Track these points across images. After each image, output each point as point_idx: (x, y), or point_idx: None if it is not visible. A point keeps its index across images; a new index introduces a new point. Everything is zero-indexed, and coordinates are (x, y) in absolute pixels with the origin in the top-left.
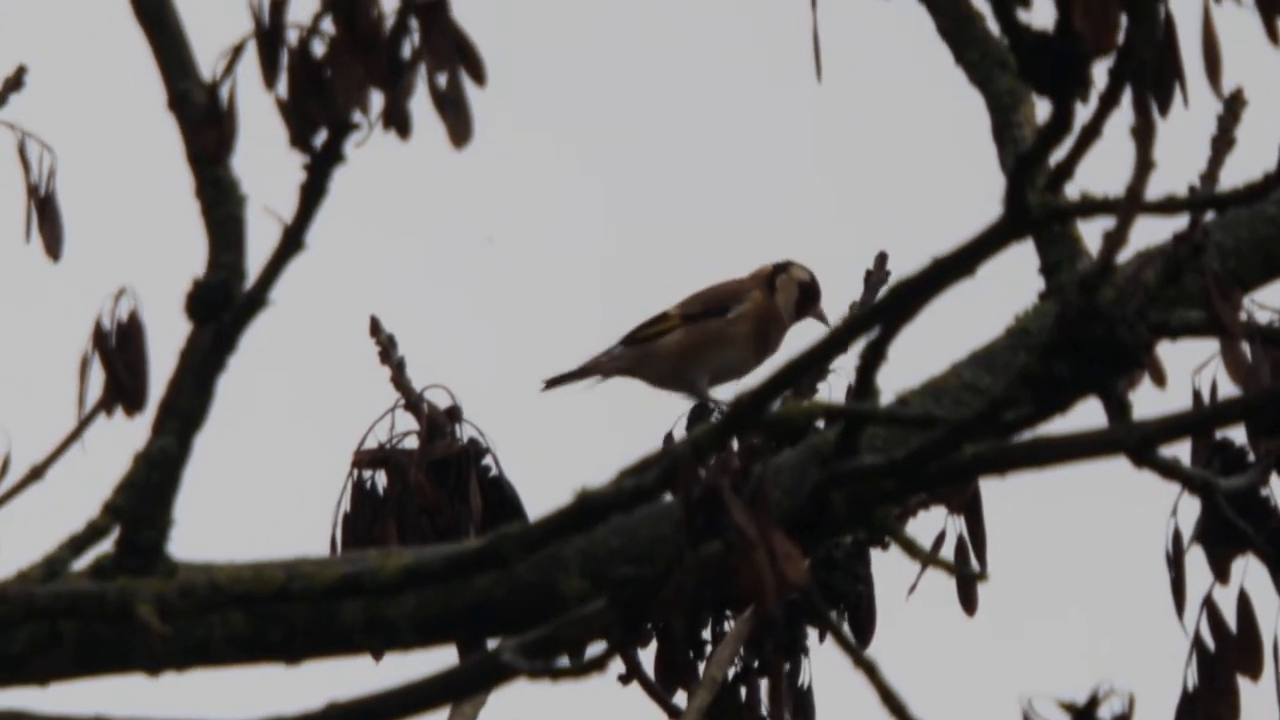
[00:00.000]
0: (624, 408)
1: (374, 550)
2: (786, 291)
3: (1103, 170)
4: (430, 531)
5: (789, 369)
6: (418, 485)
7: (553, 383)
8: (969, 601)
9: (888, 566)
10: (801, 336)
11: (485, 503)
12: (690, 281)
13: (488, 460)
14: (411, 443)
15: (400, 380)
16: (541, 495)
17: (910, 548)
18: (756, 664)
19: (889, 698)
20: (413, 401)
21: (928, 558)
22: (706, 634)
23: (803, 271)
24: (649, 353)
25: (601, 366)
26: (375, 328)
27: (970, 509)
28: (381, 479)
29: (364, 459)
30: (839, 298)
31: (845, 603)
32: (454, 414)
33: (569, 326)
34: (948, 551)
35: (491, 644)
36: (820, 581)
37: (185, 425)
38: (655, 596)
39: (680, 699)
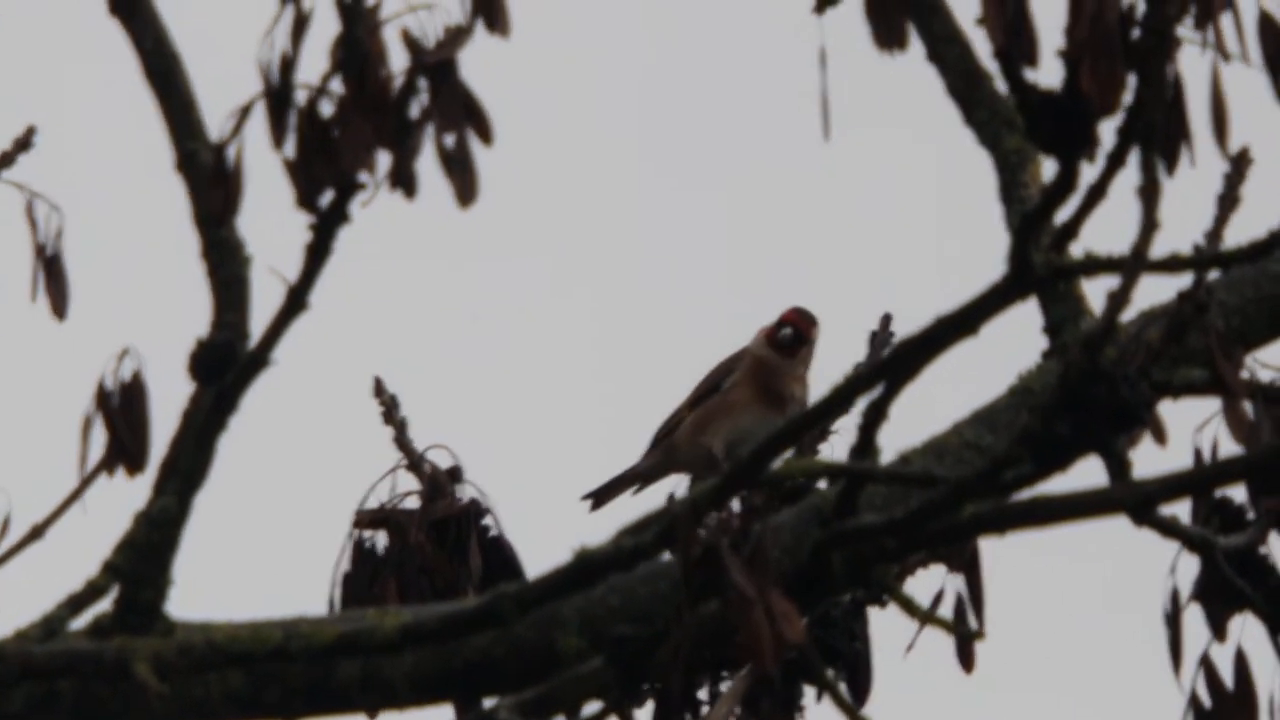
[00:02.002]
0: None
1: (372, 609)
2: (759, 334)
3: (1108, 229)
4: (430, 591)
5: (789, 428)
6: (418, 545)
7: (592, 497)
8: (967, 660)
9: (886, 625)
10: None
11: (485, 563)
12: (704, 350)
13: (488, 520)
14: (413, 503)
15: (402, 440)
16: (541, 556)
17: (908, 606)
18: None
19: None
20: (414, 461)
21: (925, 616)
22: (703, 694)
23: (788, 312)
24: (670, 446)
25: (636, 473)
26: (379, 388)
27: (969, 567)
28: (382, 539)
29: (364, 519)
30: (844, 358)
31: (843, 661)
32: (455, 474)
33: (572, 390)
34: (946, 610)
35: (489, 703)
36: (817, 640)
37: (186, 485)
38: (653, 655)
39: None
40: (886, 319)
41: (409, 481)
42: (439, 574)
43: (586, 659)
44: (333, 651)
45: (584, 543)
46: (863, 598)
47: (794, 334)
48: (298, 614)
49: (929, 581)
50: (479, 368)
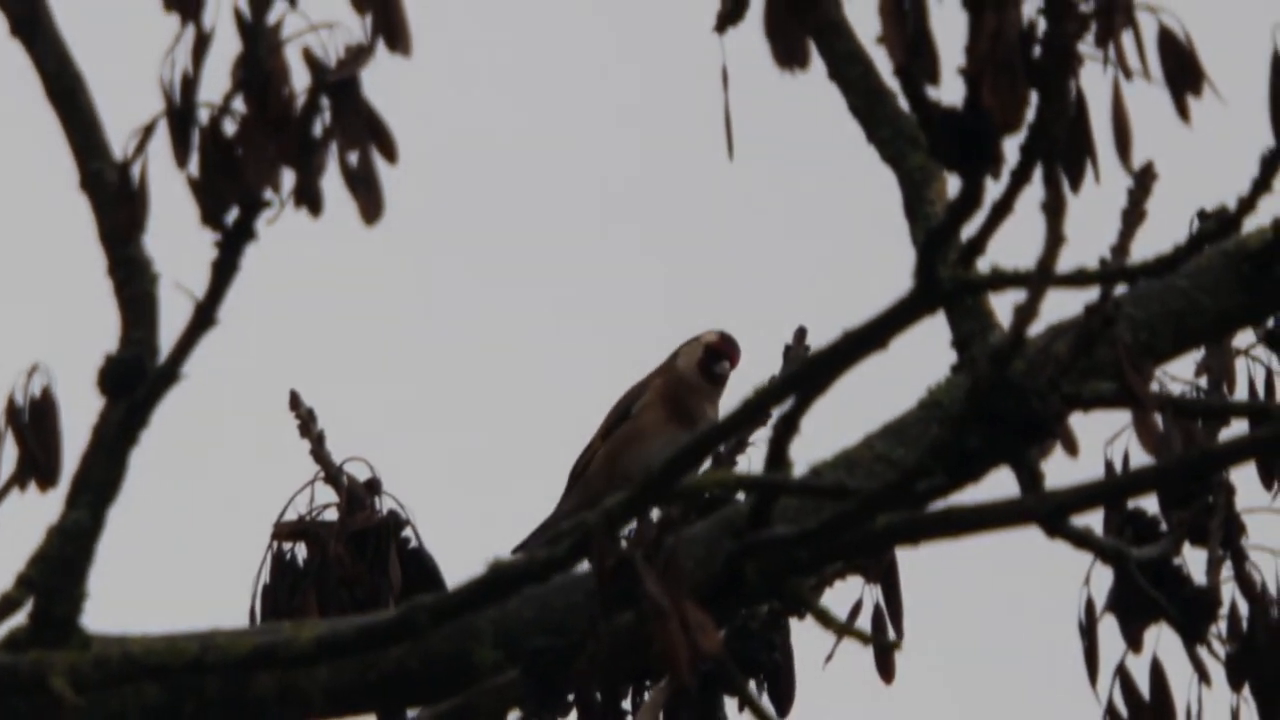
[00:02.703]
0: (546, 477)
1: (288, 622)
2: (689, 357)
3: (1014, 244)
4: (350, 603)
5: (701, 440)
6: (337, 557)
7: (521, 549)
8: (886, 671)
9: (807, 635)
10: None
11: (405, 574)
12: (620, 366)
13: (407, 532)
14: (331, 515)
15: (320, 453)
16: (462, 567)
17: (824, 618)
18: None
19: None
20: (332, 474)
21: (842, 628)
22: (627, 704)
23: (710, 334)
24: (586, 483)
25: (559, 520)
26: (295, 401)
27: (886, 578)
28: (301, 551)
29: (284, 531)
30: (756, 373)
31: (763, 672)
32: (374, 486)
33: (491, 397)
34: (865, 621)
35: (410, 714)
36: (735, 651)
37: (98, 498)
38: (569, 667)
39: None
40: (801, 333)
41: (327, 494)
42: (359, 585)
43: (503, 670)
44: (248, 664)
45: (498, 555)
46: (780, 609)
47: (729, 367)
48: (214, 627)
49: (848, 592)
50: (396, 380)
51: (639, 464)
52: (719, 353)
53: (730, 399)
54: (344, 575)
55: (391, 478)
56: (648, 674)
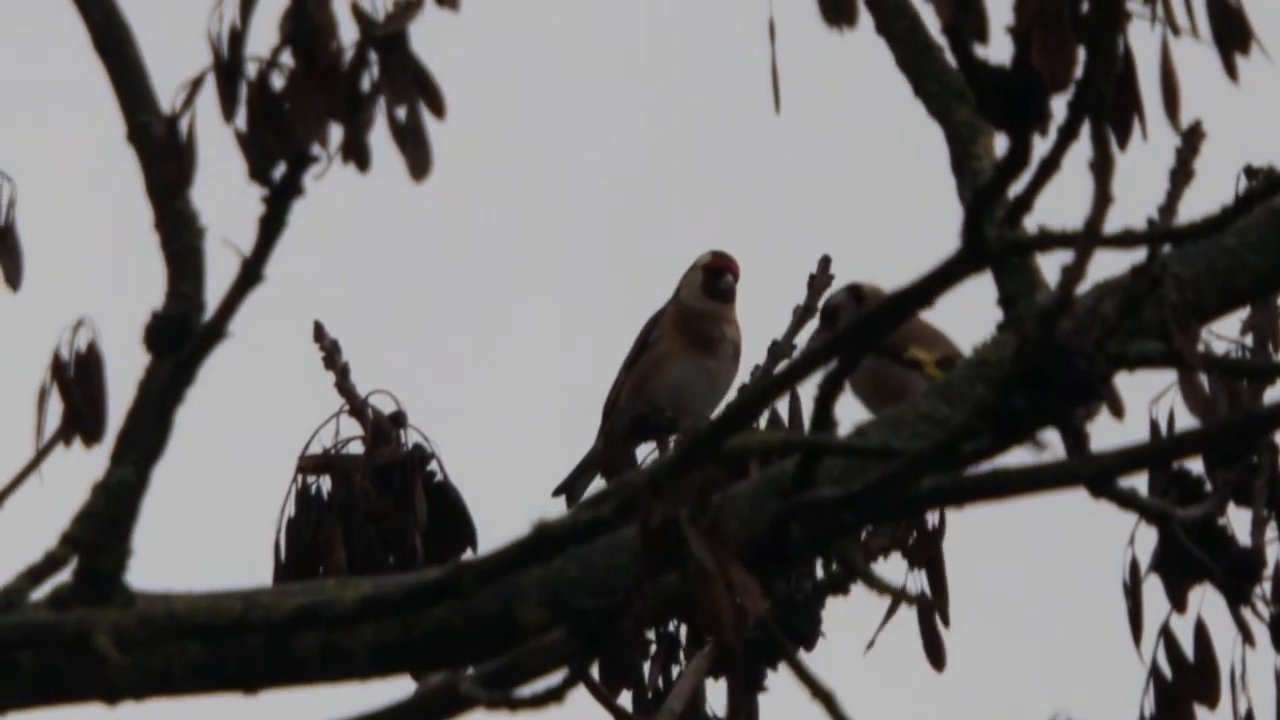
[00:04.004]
0: (570, 415)
1: (332, 580)
2: (690, 284)
3: (1061, 203)
4: (375, 537)
5: (747, 402)
6: (362, 491)
7: (563, 490)
8: (937, 658)
9: (850, 613)
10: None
11: (430, 508)
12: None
13: (432, 466)
14: (356, 448)
15: (344, 386)
16: (487, 501)
17: (870, 580)
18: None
19: (833, 709)
20: (357, 407)
21: (886, 588)
22: (650, 635)
23: (704, 256)
24: (618, 416)
25: (597, 457)
26: (319, 333)
27: (932, 563)
28: (326, 484)
29: (309, 465)
30: (788, 305)
31: (803, 645)
32: (398, 419)
33: (516, 333)
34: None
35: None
36: (779, 622)
37: (144, 456)
38: (614, 626)
39: (625, 699)
40: (825, 261)
41: (353, 427)
42: (384, 519)
43: (547, 630)
44: (292, 623)
45: (542, 516)
46: (826, 584)
47: (732, 281)
48: (257, 584)
49: (893, 576)
50: (420, 314)
51: (665, 390)
52: (717, 269)
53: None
54: (369, 509)
55: (417, 411)
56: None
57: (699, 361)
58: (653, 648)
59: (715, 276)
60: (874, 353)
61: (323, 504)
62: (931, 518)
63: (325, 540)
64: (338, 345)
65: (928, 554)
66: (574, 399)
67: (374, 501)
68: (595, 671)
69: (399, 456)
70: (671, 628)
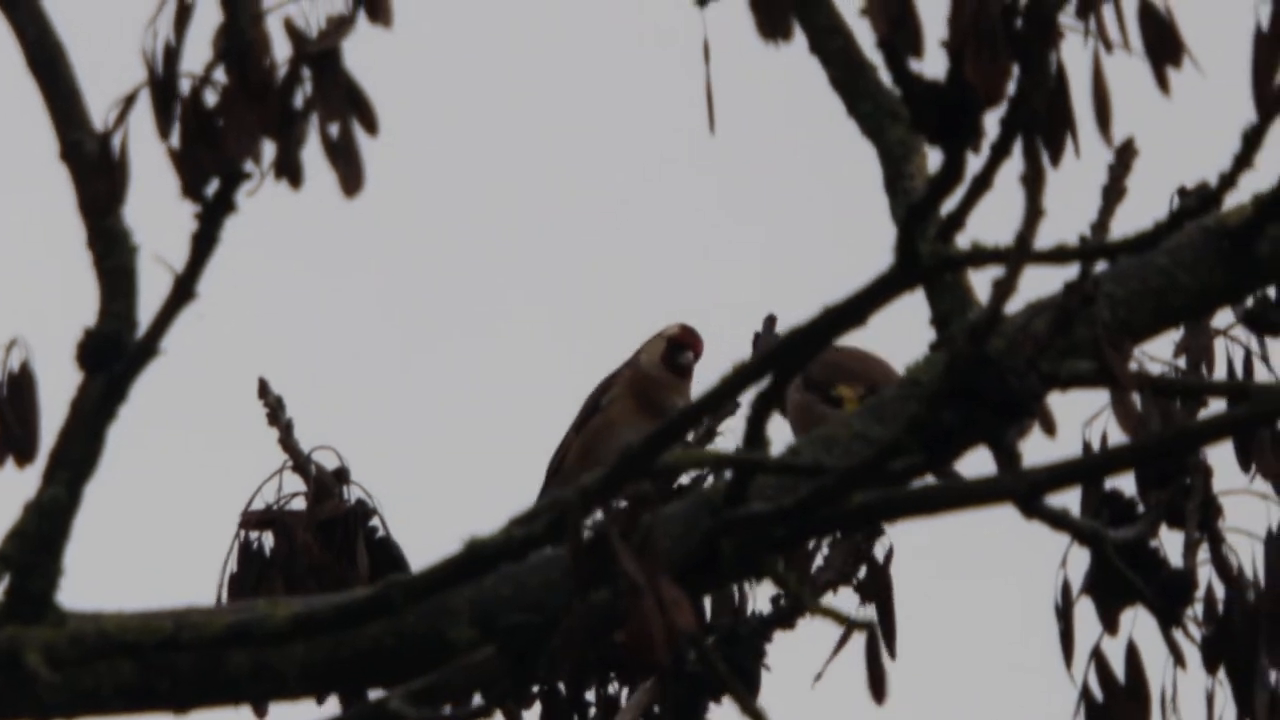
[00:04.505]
0: (513, 467)
1: (263, 600)
2: (651, 352)
3: (994, 220)
4: (317, 591)
5: (678, 420)
6: (305, 546)
7: None
8: (879, 690)
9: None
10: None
11: (372, 563)
12: (593, 353)
13: (375, 521)
14: (299, 504)
15: (288, 442)
16: (428, 556)
17: (822, 610)
18: None
19: None
20: (300, 463)
21: (818, 609)
22: (590, 696)
23: (672, 327)
24: (563, 477)
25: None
26: (264, 389)
27: (881, 597)
28: (269, 540)
29: (251, 520)
30: (728, 357)
31: (748, 679)
32: (341, 475)
33: (463, 388)
34: (857, 644)
35: (378, 693)
36: (723, 657)
37: (76, 475)
38: (544, 644)
39: None
40: (770, 321)
41: (295, 483)
42: (326, 574)
43: (478, 648)
44: (223, 641)
45: (474, 533)
46: (772, 618)
47: (693, 358)
48: (189, 605)
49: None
50: (365, 368)
51: (614, 454)
52: (681, 344)
53: (700, 386)
54: (311, 564)
55: (359, 467)
56: (613, 666)
57: (650, 428)
58: (592, 710)
59: (677, 351)
60: (804, 387)
61: (265, 559)
62: (880, 549)
63: (267, 595)
64: (281, 402)
65: (877, 587)
66: (518, 458)
67: (316, 556)
68: None
69: (341, 512)
70: (612, 690)
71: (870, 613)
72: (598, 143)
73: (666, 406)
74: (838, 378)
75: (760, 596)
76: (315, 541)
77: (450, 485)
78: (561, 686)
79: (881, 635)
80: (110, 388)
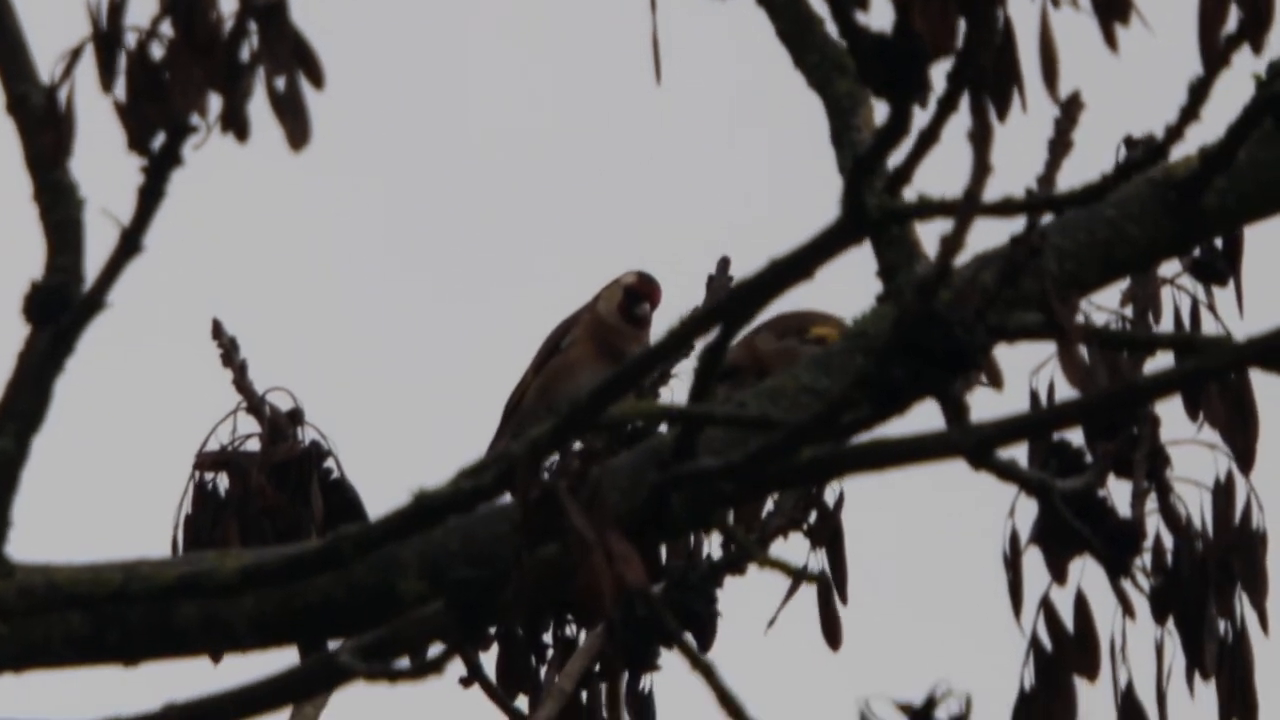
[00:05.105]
0: (468, 409)
1: (212, 551)
2: (609, 300)
3: (941, 175)
4: (272, 534)
5: (626, 371)
6: (259, 488)
7: None
8: (834, 637)
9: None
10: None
11: (327, 505)
12: (550, 298)
13: (329, 463)
14: (253, 445)
15: (242, 383)
16: (384, 498)
17: (769, 562)
18: (597, 669)
19: (726, 700)
20: (255, 404)
21: (767, 561)
22: (548, 638)
23: (629, 275)
24: (520, 417)
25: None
26: (217, 330)
27: (832, 542)
28: (223, 481)
29: (205, 461)
30: (681, 303)
31: (700, 625)
32: (296, 417)
33: (415, 328)
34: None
35: (332, 645)
36: (674, 602)
37: (23, 427)
38: (493, 598)
39: (522, 703)
40: (724, 262)
41: (250, 424)
42: (281, 516)
43: (427, 601)
44: (172, 593)
45: (422, 485)
46: (722, 563)
47: (650, 308)
48: (139, 557)
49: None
50: (319, 309)
51: (571, 396)
52: (638, 294)
53: (658, 332)
54: (266, 506)
55: (314, 408)
56: (569, 608)
57: (608, 373)
58: (549, 652)
59: (634, 301)
60: (779, 336)
61: (219, 501)
62: (830, 495)
63: (222, 537)
64: (235, 343)
65: (828, 533)
66: (474, 396)
67: (270, 498)
68: (492, 673)
69: (296, 453)
70: (570, 631)
71: (821, 558)
72: (546, 86)
73: (625, 353)
74: (808, 322)
75: (714, 542)
76: (270, 483)
77: (406, 426)
78: (519, 630)
79: (833, 582)
80: (57, 341)
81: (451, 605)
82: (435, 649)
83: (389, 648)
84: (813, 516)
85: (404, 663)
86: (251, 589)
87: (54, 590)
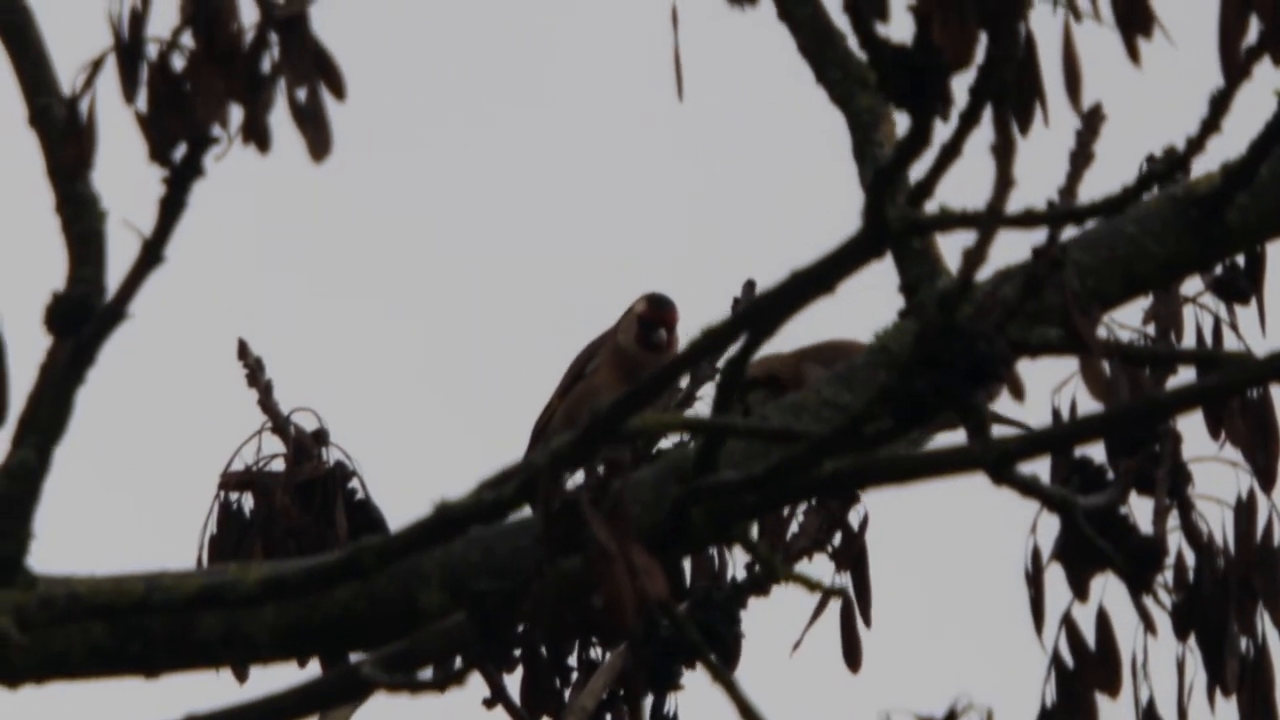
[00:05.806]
0: (493, 431)
1: (234, 564)
2: (626, 330)
3: (963, 189)
4: (296, 554)
5: (649, 383)
6: (283, 508)
7: None
8: (854, 659)
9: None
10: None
11: (351, 526)
12: (574, 319)
13: (354, 483)
14: (278, 465)
15: (268, 403)
16: (408, 518)
17: (796, 579)
18: (621, 690)
19: (749, 714)
20: (280, 424)
21: (790, 576)
22: (573, 660)
23: (640, 303)
24: (547, 441)
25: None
26: (243, 350)
27: (857, 564)
28: (248, 501)
29: (230, 481)
30: (707, 319)
31: (723, 644)
32: (321, 437)
33: (441, 350)
34: (832, 613)
35: (353, 657)
36: (697, 621)
37: (45, 438)
38: (514, 610)
39: None
40: (750, 285)
41: (274, 444)
42: (305, 537)
43: (448, 613)
44: (194, 604)
45: (443, 496)
46: (746, 583)
47: (666, 335)
48: (161, 569)
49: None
50: (347, 331)
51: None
52: (651, 322)
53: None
54: (290, 526)
55: (339, 429)
56: (593, 630)
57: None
58: (574, 675)
59: (649, 330)
60: (829, 362)
61: (244, 520)
62: (854, 516)
63: (246, 557)
64: (261, 363)
65: (853, 555)
66: (500, 419)
67: (295, 518)
68: (516, 695)
69: (320, 474)
70: (594, 654)
71: (845, 580)
72: (567, 111)
73: None
74: (839, 355)
75: (738, 562)
76: (294, 503)
77: (430, 447)
78: (543, 650)
79: (856, 603)
80: (78, 351)
81: (472, 617)
82: (456, 660)
83: (411, 659)
84: (837, 538)
85: (426, 674)
86: (273, 600)
87: (75, 601)
